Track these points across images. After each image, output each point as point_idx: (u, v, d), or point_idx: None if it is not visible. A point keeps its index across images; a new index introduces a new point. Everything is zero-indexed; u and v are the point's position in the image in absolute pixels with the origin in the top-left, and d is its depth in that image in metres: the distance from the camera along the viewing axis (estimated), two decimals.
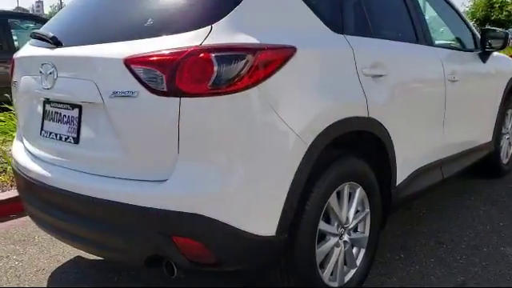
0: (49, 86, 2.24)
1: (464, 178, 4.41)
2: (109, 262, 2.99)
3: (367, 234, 2.64)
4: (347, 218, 2.46)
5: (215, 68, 1.87)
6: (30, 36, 2.67)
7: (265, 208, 2.01)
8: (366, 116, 2.43)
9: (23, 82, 2.49)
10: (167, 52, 1.91)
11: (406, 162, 2.86)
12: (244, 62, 1.90)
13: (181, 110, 1.88)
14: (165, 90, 1.89)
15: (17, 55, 2.64)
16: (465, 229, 3.50)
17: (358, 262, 2.60)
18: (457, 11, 3.96)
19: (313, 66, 2.18)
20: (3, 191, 4.27)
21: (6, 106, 5.12)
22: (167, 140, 1.93)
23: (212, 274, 2.23)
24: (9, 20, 7.65)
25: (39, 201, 2.46)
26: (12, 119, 5.02)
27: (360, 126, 2.42)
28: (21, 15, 7.92)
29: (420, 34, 3.17)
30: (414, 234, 3.42)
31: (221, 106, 1.90)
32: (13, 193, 4.14)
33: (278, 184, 2.02)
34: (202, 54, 1.88)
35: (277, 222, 2.03)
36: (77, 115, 2.21)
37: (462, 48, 3.87)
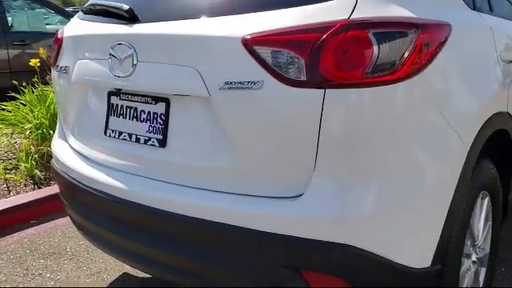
0: (123, 74, 1.74)
1: None
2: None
3: (488, 249, 2.21)
4: (477, 235, 2.04)
5: (374, 49, 1.40)
6: (82, 10, 2.15)
7: (423, 233, 1.57)
8: (506, 111, 2.00)
9: (79, 67, 1.97)
10: (306, 28, 1.43)
11: None
12: (408, 41, 1.44)
13: (325, 105, 1.41)
14: (303, 78, 1.42)
15: (66, 33, 2.11)
16: None
17: (481, 284, 2.18)
18: None
19: (465, 48, 1.73)
20: (17, 193, 3.73)
21: (13, 94, 4.55)
22: (301, 145, 1.47)
23: None
24: None
25: (99, 215, 1.97)
26: (19, 108, 4.44)
27: (502, 124, 1.98)
28: None
29: None
30: (503, 242, 3.01)
31: (379, 101, 1.43)
32: (30, 195, 3.61)
33: (439, 202, 1.57)
34: (355, 31, 1.41)
35: (434, 250, 1.59)
36: (163, 111, 1.72)
37: None
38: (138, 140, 1.79)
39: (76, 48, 2.01)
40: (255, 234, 1.51)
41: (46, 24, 7.08)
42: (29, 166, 3.90)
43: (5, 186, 3.81)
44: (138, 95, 1.79)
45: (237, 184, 1.57)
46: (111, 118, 1.90)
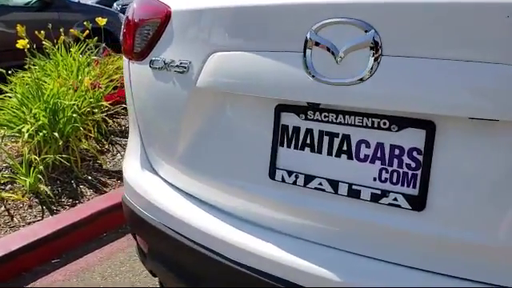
0: (345, 79, 0.94)
1: None
2: None
3: None
4: None
5: None
6: None
7: None
8: None
9: (217, 65, 1.14)
10: None
11: None
12: None
13: None
14: None
15: (177, 5, 1.26)
16: None
17: None
18: None
19: None
20: (22, 218, 2.84)
21: None
22: None
23: None
24: None
25: None
26: (5, 103, 3.48)
27: None
28: None
29: None
30: None
31: None
32: (46, 225, 2.74)
33: None
34: None
35: None
36: (417, 144, 0.94)
37: None
38: (354, 194, 1.01)
39: (208, 31, 1.17)
40: None
41: None
42: (32, 181, 3.00)
43: (3, 208, 2.91)
44: (354, 114, 1.00)
45: None
46: (283, 151, 1.10)
